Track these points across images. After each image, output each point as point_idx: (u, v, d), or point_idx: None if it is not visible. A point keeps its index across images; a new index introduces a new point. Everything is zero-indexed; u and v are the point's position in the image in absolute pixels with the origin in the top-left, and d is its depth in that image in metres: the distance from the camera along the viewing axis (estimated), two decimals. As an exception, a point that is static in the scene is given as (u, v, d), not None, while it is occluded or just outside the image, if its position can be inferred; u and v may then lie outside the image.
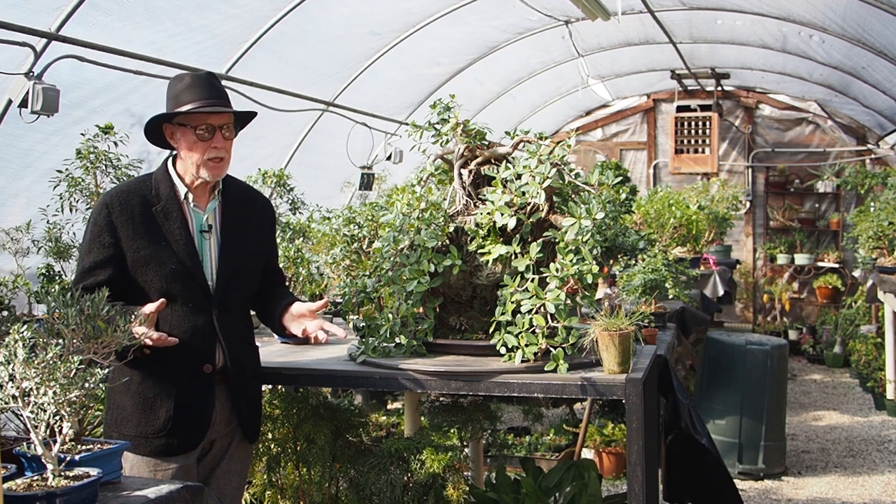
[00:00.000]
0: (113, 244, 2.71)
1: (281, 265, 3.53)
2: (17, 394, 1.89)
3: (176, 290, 2.74)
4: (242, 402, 2.91)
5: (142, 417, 2.73)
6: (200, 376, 2.79)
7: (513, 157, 3.24)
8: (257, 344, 3.08)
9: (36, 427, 1.91)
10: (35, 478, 1.90)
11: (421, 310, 3.21)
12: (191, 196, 2.84)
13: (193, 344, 2.75)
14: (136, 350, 2.37)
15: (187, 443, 2.78)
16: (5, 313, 2.86)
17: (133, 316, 2.54)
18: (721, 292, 7.14)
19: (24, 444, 2.08)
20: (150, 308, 2.59)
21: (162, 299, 2.64)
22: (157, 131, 2.87)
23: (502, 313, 3.02)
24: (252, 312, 3.15)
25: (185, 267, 2.76)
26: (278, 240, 3.80)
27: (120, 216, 2.72)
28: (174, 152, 2.91)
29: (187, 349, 2.74)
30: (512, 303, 3.00)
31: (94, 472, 1.92)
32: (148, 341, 2.53)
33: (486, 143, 3.34)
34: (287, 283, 3.25)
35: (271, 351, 3.52)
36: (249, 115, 2.97)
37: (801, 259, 10.81)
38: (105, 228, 2.71)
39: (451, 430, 4.15)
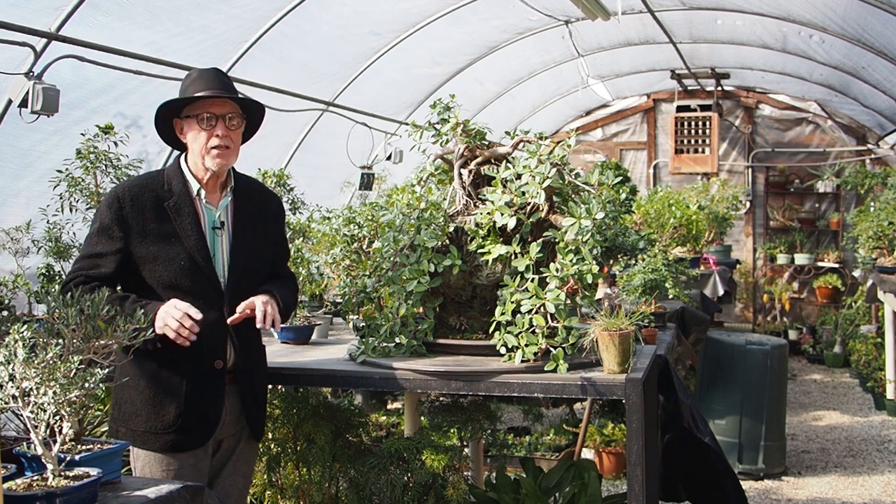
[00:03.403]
0: (121, 238, 2.72)
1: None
2: (17, 394, 1.89)
3: (186, 285, 2.74)
4: (251, 401, 2.93)
5: (151, 412, 2.73)
6: (211, 372, 2.79)
7: (513, 157, 3.24)
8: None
9: (36, 427, 1.91)
10: (35, 478, 1.90)
11: (421, 310, 3.21)
12: (203, 192, 2.85)
13: (204, 339, 2.74)
14: (150, 342, 2.44)
15: (197, 439, 2.78)
16: (5, 313, 2.86)
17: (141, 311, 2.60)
18: (721, 292, 7.14)
19: (24, 444, 2.08)
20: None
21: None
22: (169, 130, 2.89)
23: (502, 313, 3.02)
24: None
25: (196, 263, 2.77)
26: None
27: (131, 210, 2.73)
28: (183, 153, 2.93)
29: (198, 344, 2.74)
30: (512, 303, 3.00)
31: (94, 472, 1.92)
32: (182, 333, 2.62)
33: (486, 143, 3.34)
34: (293, 285, 3.16)
35: (271, 351, 3.52)
36: (256, 107, 2.96)
37: (801, 259, 10.81)
38: (115, 221, 2.72)
39: (451, 430, 4.15)
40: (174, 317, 2.60)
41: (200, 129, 2.79)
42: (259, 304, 2.78)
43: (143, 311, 2.53)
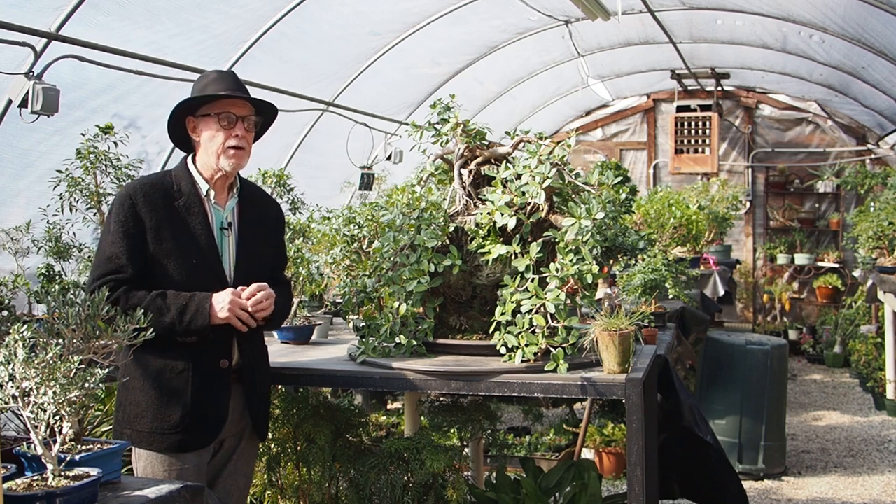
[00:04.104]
0: (136, 235, 2.71)
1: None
2: (17, 394, 1.89)
3: (195, 284, 2.74)
4: (255, 400, 2.93)
5: (157, 413, 2.73)
6: (217, 371, 2.80)
7: (513, 157, 3.24)
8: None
9: (36, 427, 1.91)
10: (35, 478, 1.90)
11: (421, 310, 3.21)
12: (212, 193, 2.86)
13: (211, 339, 2.75)
14: (196, 333, 2.67)
15: (202, 438, 2.79)
16: (5, 313, 2.86)
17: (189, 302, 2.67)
18: (721, 292, 7.14)
19: (24, 444, 2.08)
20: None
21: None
22: (178, 127, 2.88)
23: (502, 313, 3.02)
24: None
25: (207, 261, 2.78)
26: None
27: (144, 207, 2.73)
28: (190, 154, 2.93)
29: (205, 344, 2.75)
30: (512, 303, 3.00)
31: (94, 472, 1.92)
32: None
33: (486, 143, 3.34)
34: (288, 292, 3.20)
35: (272, 351, 3.51)
36: (271, 111, 2.99)
37: (801, 259, 10.81)
38: (130, 217, 2.71)
39: (451, 430, 4.15)
40: (235, 303, 2.70)
41: (219, 129, 2.80)
42: (265, 292, 2.78)
43: (197, 302, 2.67)
